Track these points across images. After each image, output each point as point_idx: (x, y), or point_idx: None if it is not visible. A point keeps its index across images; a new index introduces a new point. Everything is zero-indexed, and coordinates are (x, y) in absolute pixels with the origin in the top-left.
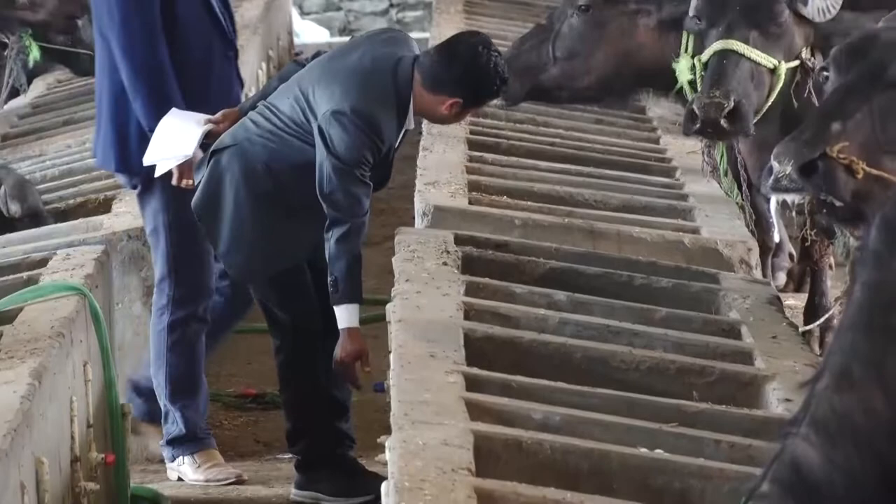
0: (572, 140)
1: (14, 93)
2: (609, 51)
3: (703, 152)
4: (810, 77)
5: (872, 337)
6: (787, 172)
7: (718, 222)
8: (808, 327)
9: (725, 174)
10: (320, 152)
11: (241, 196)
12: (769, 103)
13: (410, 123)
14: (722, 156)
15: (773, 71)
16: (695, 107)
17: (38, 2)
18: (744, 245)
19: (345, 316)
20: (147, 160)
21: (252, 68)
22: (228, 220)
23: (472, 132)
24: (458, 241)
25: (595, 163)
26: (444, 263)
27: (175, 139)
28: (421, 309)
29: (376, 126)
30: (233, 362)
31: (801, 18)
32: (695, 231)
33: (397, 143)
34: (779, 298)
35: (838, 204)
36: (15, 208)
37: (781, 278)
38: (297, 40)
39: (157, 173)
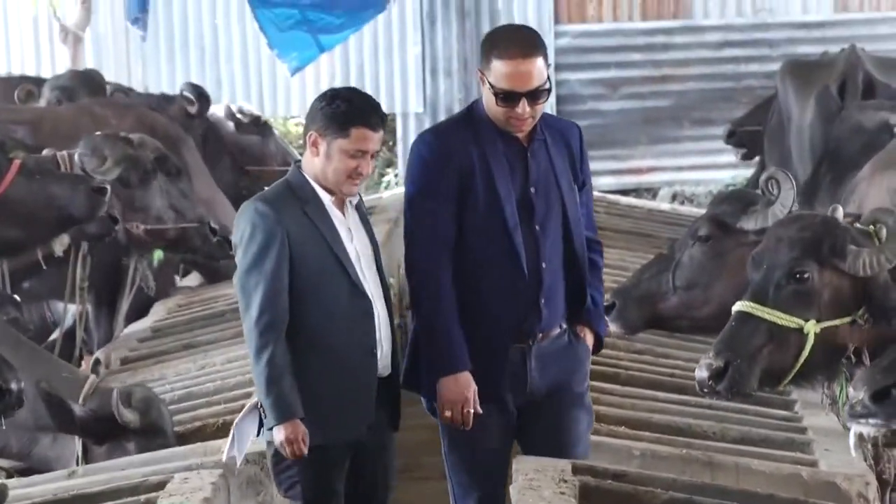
0: (692, 371)
1: (139, 310)
2: (728, 281)
3: (822, 385)
4: (864, 330)
5: None
6: (861, 399)
7: (837, 456)
8: None
9: (845, 407)
10: None
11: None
12: (799, 363)
13: (326, 198)
14: (841, 389)
15: (800, 331)
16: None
17: (154, 233)
18: (862, 479)
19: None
20: (228, 458)
21: None
22: None
23: (592, 361)
24: (576, 470)
25: None
26: (562, 492)
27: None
28: None
29: (265, 214)
30: None
31: (846, 274)
32: (813, 464)
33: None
34: None
35: None
36: (131, 418)
37: None
38: None
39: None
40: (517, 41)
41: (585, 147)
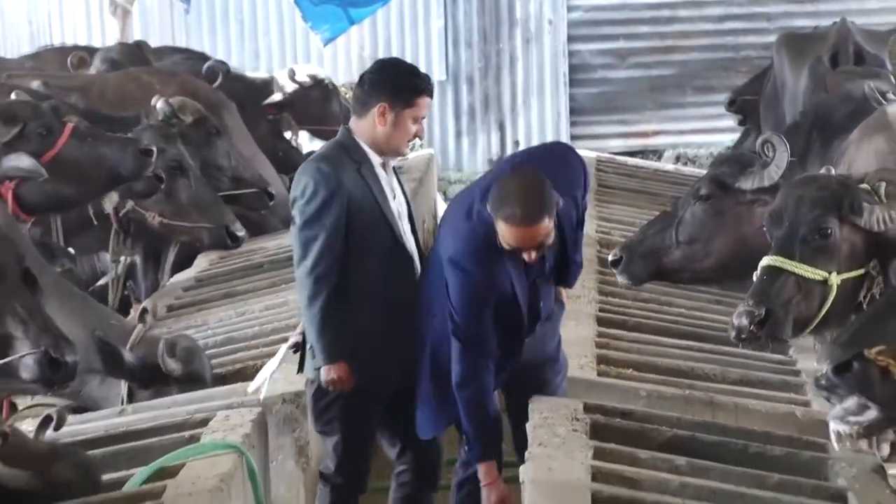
0: (694, 318)
1: (182, 262)
2: (727, 236)
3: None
4: (876, 285)
5: None
6: (824, 372)
7: None
8: None
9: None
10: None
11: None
12: (823, 312)
13: (375, 160)
14: (832, 335)
15: (825, 282)
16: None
17: (169, 227)
18: None
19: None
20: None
21: None
22: None
23: (601, 310)
24: (587, 409)
25: (715, 340)
26: (575, 430)
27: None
28: (552, 471)
29: (327, 174)
30: None
31: (860, 229)
32: (806, 404)
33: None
34: (883, 468)
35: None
36: (174, 367)
37: (885, 449)
38: None
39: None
40: (522, 208)
41: (588, 179)
